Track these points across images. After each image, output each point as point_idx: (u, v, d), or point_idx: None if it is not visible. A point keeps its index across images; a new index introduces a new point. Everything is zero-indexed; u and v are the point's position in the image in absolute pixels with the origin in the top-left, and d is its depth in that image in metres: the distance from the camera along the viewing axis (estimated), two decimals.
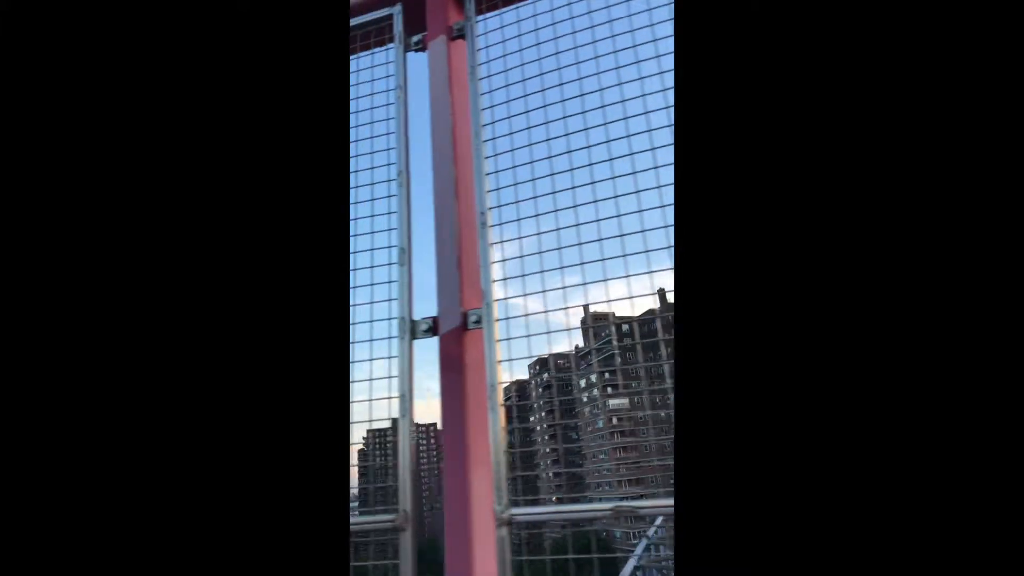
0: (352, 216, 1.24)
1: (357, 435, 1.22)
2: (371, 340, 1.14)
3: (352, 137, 1.29)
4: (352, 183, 1.27)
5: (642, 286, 1.11)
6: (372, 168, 1.24)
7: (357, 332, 1.16)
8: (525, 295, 1.19)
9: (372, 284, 1.17)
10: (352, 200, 1.25)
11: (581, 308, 1.24)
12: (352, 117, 1.33)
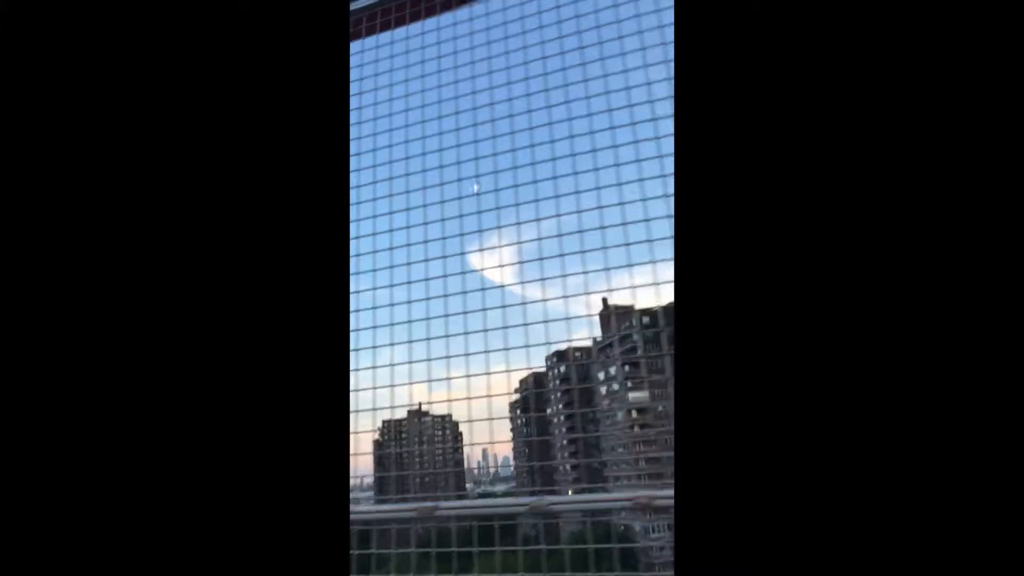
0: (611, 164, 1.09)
1: None
2: None
3: (598, 72, 1.15)
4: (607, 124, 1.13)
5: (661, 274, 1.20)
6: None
7: None
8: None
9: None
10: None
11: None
12: (596, 50, 1.21)
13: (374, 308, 1.49)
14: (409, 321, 1.48)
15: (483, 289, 1.41)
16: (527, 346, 1.35)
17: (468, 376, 1.36)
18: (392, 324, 1.49)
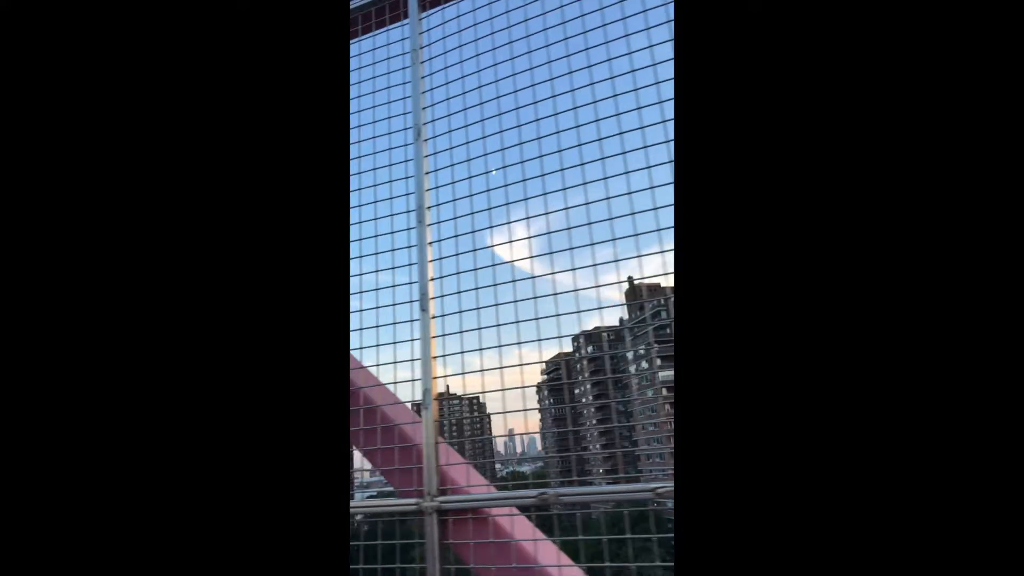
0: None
1: None
2: None
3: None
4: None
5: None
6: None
7: None
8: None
9: None
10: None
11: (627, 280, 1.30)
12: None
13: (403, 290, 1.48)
14: (440, 307, 1.42)
15: (513, 278, 1.33)
16: (557, 322, 1.28)
17: (495, 358, 1.31)
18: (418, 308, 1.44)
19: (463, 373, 1.34)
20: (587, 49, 1.32)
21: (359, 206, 1.48)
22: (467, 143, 1.39)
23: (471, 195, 1.36)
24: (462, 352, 1.32)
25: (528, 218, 1.27)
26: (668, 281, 1.24)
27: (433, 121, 1.47)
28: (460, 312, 1.32)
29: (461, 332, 1.29)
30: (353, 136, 1.52)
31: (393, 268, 1.42)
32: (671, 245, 1.16)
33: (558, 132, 1.29)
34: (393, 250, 1.42)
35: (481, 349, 1.32)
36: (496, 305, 1.28)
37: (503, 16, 1.45)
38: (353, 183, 1.49)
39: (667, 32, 1.25)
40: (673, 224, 1.04)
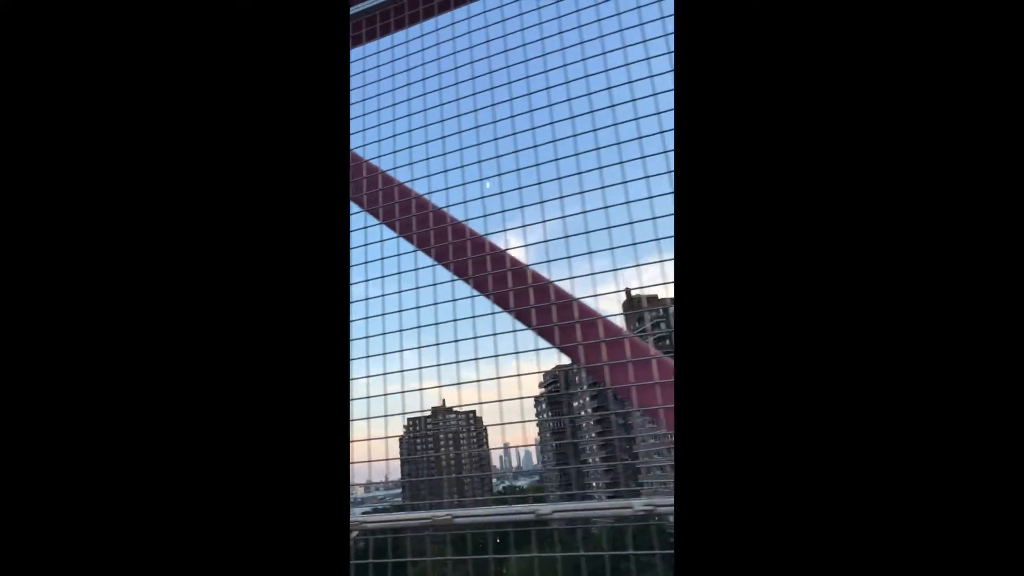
0: None
1: None
2: None
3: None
4: None
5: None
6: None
7: None
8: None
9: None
10: None
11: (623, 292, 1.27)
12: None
13: (399, 311, 1.42)
14: (436, 323, 1.38)
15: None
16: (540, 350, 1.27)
17: (495, 377, 1.29)
18: (419, 327, 1.41)
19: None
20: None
21: (596, 149, 1.30)
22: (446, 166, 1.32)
23: None
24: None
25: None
26: (667, 292, 1.23)
27: None
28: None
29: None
30: (577, 71, 1.35)
31: (654, 219, 1.24)
32: (670, 255, 1.15)
33: None
34: (651, 197, 1.24)
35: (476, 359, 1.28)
36: None
37: None
38: (585, 124, 1.30)
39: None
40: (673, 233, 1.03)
